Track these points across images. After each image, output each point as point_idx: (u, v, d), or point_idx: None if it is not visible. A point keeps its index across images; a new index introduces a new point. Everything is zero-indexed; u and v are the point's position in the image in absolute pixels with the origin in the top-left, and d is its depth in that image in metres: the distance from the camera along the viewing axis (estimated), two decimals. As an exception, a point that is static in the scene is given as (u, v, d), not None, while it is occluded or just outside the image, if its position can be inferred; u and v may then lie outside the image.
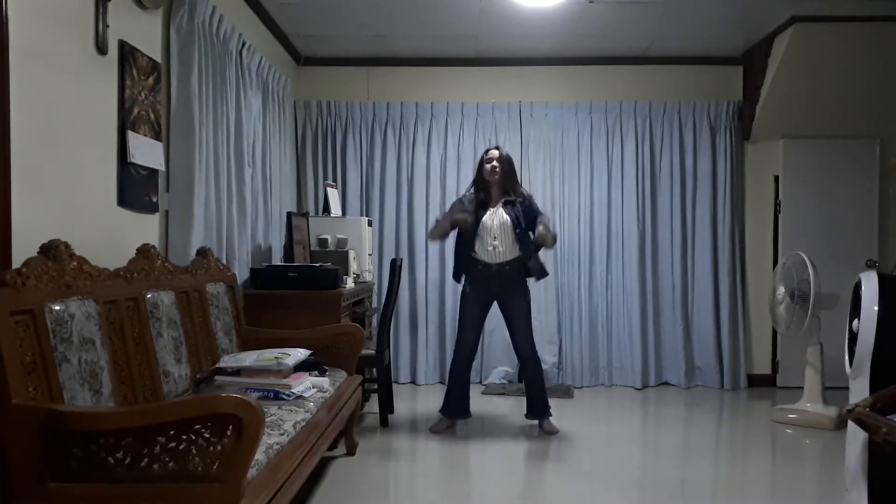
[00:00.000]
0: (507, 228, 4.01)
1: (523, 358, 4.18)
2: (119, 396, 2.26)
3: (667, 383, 5.59)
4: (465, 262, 4.09)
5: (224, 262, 3.65)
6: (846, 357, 2.76)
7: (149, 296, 2.62)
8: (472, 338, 4.16)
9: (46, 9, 2.35)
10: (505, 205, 4.06)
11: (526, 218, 4.05)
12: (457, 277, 4.22)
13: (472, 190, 4.18)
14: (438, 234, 4.14)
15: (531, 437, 4.07)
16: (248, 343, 3.42)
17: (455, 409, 4.19)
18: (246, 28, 4.19)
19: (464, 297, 4.15)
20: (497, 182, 4.07)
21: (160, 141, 3.13)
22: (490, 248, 4.01)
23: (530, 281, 4.19)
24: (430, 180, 5.58)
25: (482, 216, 4.04)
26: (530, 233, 4.06)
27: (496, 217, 4.03)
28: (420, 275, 5.56)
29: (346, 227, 4.90)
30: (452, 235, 4.22)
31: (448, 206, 4.55)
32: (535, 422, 4.20)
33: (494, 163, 4.07)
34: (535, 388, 4.17)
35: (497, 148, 4.20)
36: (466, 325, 4.14)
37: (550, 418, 4.17)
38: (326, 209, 5.02)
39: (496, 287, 4.06)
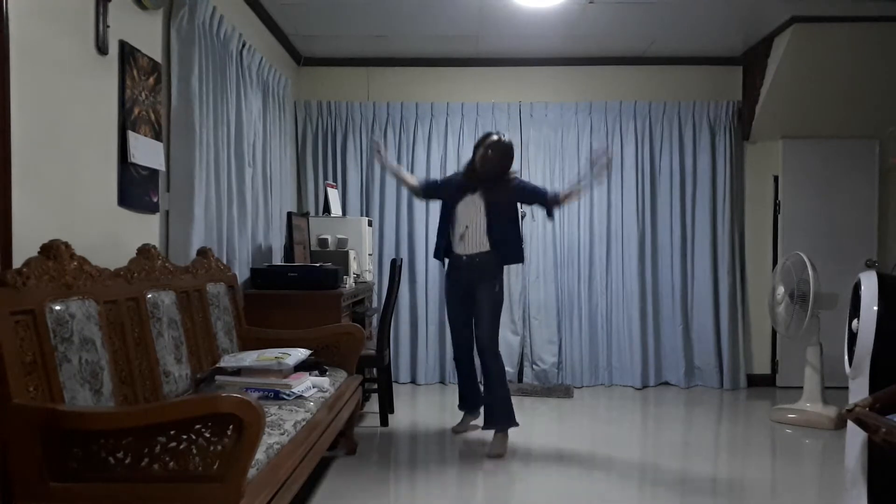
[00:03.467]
0: (479, 216, 3.82)
1: (482, 352, 3.84)
2: (119, 396, 2.26)
3: (666, 383, 5.60)
4: (444, 244, 3.97)
5: (224, 262, 3.65)
6: (846, 357, 2.76)
7: (149, 296, 2.63)
8: (461, 330, 4.01)
9: (47, 9, 2.35)
10: (486, 190, 3.84)
11: (516, 197, 3.91)
12: (437, 255, 4.07)
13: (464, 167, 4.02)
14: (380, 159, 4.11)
15: (530, 437, 4.07)
16: (248, 343, 3.42)
17: (470, 402, 4.17)
18: (246, 28, 4.19)
19: (446, 292, 4.11)
20: (486, 170, 3.84)
21: (160, 141, 3.14)
22: (458, 238, 3.87)
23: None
24: (430, 180, 5.58)
25: (458, 201, 3.89)
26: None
27: (471, 204, 3.86)
28: (420, 275, 5.56)
29: (347, 227, 4.90)
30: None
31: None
32: (491, 432, 3.84)
33: (489, 151, 3.80)
34: (496, 392, 3.82)
35: (498, 133, 3.90)
36: (453, 319, 4.06)
37: (508, 431, 3.83)
38: (326, 209, 5.02)
39: (467, 278, 3.89)
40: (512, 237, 3.93)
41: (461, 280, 3.95)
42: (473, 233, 3.86)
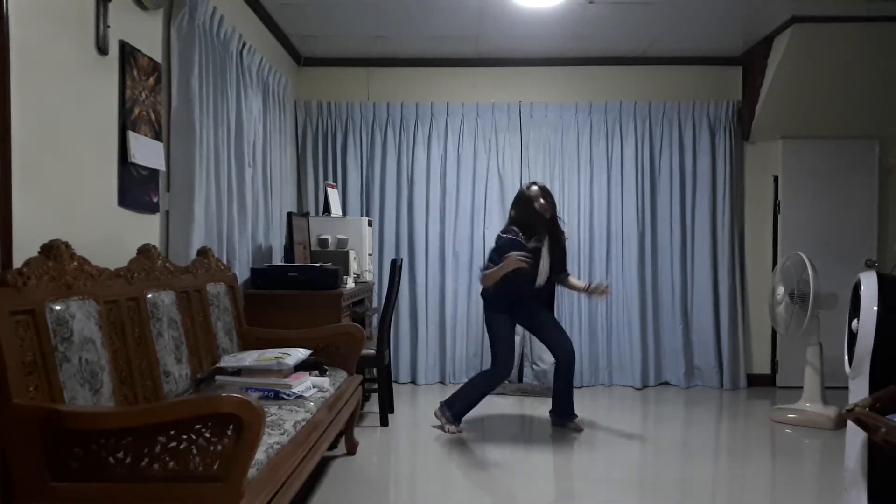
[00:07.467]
0: (545, 256, 4.10)
1: (568, 352, 4.16)
2: (119, 396, 2.26)
3: (666, 383, 5.60)
4: (514, 292, 4.08)
5: (224, 262, 3.65)
6: (846, 357, 2.76)
7: (149, 296, 2.63)
8: (512, 359, 4.22)
9: (47, 9, 2.35)
10: (551, 241, 4.11)
11: (561, 254, 4.23)
12: (498, 306, 4.13)
13: (518, 232, 4.06)
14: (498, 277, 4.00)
15: (530, 437, 4.07)
16: (248, 343, 3.42)
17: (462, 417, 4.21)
18: (246, 28, 4.19)
19: (500, 320, 4.12)
20: (552, 214, 4.15)
21: (160, 141, 3.14)
22: (537, 280, 4.09)
23: None
24: (430, 180, 5.58)
25: (540, 256, 4.08)
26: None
27: (545, 254, 4.09)
28: (420, 275, 5.56)
29: (347, 227, 4.90)
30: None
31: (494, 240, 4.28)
32: (564, 422, 4.22)
33: (544, 202, 4.10)
34: (572, 386, 4.24)
35: (535, 183, 4.18)
36: (508, 348, 4.15)
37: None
38: (327, 209, 5.02)
39: (534, 304, 4.13)
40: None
41: (531, 306, 4.16)
42: (543, 268, 4.11)
